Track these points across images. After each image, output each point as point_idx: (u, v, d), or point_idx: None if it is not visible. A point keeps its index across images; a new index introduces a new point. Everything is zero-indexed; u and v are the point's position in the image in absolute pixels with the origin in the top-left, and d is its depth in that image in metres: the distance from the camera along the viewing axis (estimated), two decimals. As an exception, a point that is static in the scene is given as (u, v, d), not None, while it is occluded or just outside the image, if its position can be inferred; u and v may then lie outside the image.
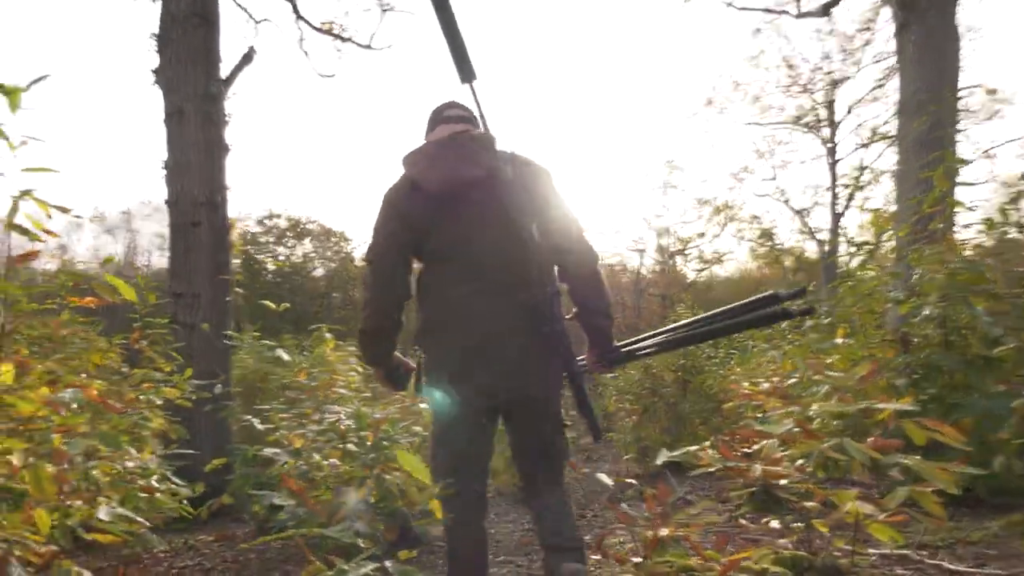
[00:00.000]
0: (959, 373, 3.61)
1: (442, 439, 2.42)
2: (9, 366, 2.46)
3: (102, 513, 2.21)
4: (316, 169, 55.40)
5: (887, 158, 21.80)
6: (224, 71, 6.67)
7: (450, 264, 2.35)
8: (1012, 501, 3.39)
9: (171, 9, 6.35)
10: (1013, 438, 3.18)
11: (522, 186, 2.32)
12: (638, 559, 2.23)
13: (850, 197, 22.71)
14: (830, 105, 23.41)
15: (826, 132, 23.62)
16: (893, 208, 5.84)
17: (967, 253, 3.88)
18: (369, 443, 3.64)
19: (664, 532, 2.18)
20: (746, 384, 5.06)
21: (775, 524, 2.69)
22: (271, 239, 26.91)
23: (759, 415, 4.21)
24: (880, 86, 22.14)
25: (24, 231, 2.30)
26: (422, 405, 4.33)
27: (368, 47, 11.21)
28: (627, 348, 2.58)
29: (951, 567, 2.68)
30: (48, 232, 2.41)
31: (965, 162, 4.26)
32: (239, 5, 9.50)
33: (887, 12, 19.79)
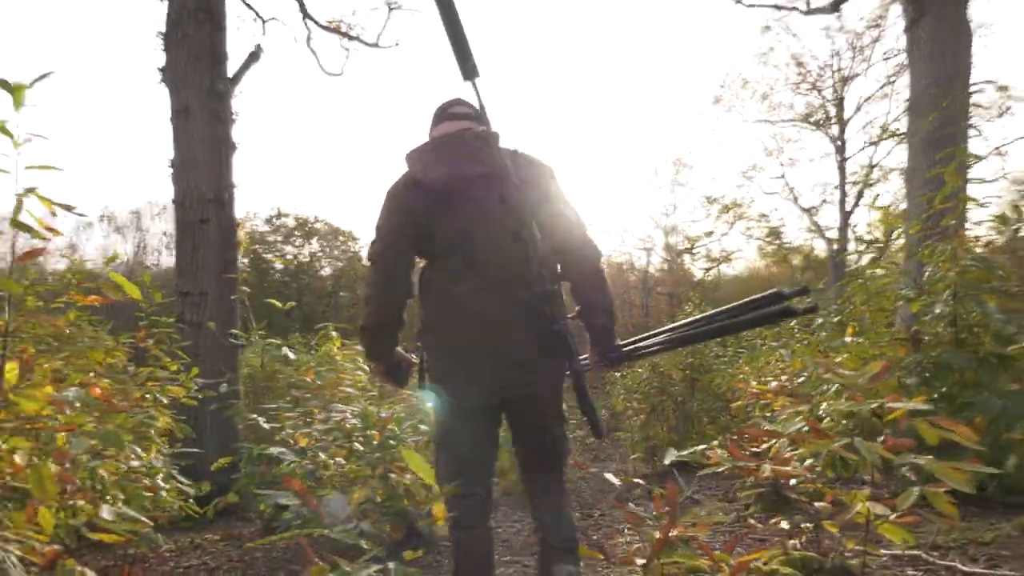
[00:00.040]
0: (970, 372, 3.57)
1: (444, 442, 2.40)
2: (14, 365, 2.45)
3: (104, 512, 2.20)
4: (324, 168, 55.52)
5: (896, 155, 21.72)
6: (231, 69, 6.68)
7: (452, 261, 2.34)
8: (1025, 501, 3.36)
9: (178, 7, 6.35)
10: (1026, 437, 3.14)
11: (525, 184, 2.30)
12: (642, 560, 2.21)
13: (859, 195, 22.60)
14: (839, 102, 23.31)
15: (835, 130, 23.52)
16: (903, 206, 5.79)
17: (979, 250, 3.83)
18: (375, 442, 3.63)
19: (672, 532, 2.15)
20: (754, 383, 5.04)
21: (784, 524, 2.66)
22: (279, 238, 27.01)
23: (768, 414, 4.19)
24: (890, 83, 22.05)
25: (28, 229, 2.28)
26: (427, 404, 4.32)
27: (375, 45, 11.21)
28: (629, 347, 2.56)
29: (964, 568, 2.64)
30: (52, 230, 2.40)
31: (978, 158, 4.21)
32: (246, 4, 9.49)
33: (897, 8, 19.72)
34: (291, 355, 4.96)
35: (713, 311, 2.51)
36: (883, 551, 2.89)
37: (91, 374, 3.63)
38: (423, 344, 2.43)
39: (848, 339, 4.31)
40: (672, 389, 7.00)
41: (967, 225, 4.09)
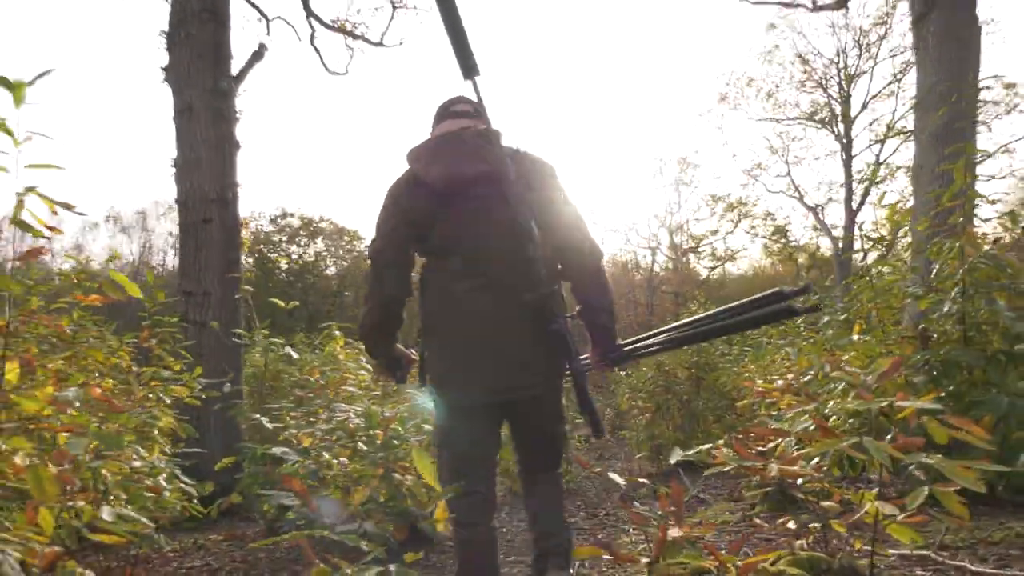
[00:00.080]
0: (978, 370, 3.54)
1: (445, 441, 2.40)
2: (14, 364, 2.44)
3: (104, 514, 2.19)
4: (329, 167, 55.64)
5: (903, 153, 21.65)
6: (235, 68, 6.67)
7: (453, 260, 2.33)
8: (1034, 500, 3.32)
9: (181, 7, 6.34)
10: (1036, 436, 3.11)
11: (526, 182, 2.30)
12: (647, 560, 2.18)
13: (865, 193, 22.53)
14: (845, 100, 23.24)
15: (841, 127, 23.44)
16: (910, 203, 5.74)
17: (987, 247, 3.80)
18: (379, 442, 3.61)
19: (677, 532, 2.13)
20: (760, 381, 5.01)
21: (791, 524, 2.63)
22: (284, 238, 27.03)
23: (774, 413, 4.16)
24: (896, 80, 21.99)
25: (28, 228, 2.27)
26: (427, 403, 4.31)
27: (380, 44, 11.20)
28: (630, 346, 2.54)
29: (974, 568, 2.60)
30: (53, 229, 2.39)
31: (989, 154, 4.17)
32: (250, 3, 9.49)
33: (904, 6, 19.67)
34: (294, 355, 4.94)
35: (714, 310, 2.50)
36: (891, 551, 2.86)
37: (96, 374, 3.63)
38: (424, 342, 2.42)
39: (855, 337, 4.27)
40: (677, 388, 6.97)
41: (975, 222, 4.05)
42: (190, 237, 6.14)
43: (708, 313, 2.51)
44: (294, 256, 26.58)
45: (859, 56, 22.91)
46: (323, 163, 56.18)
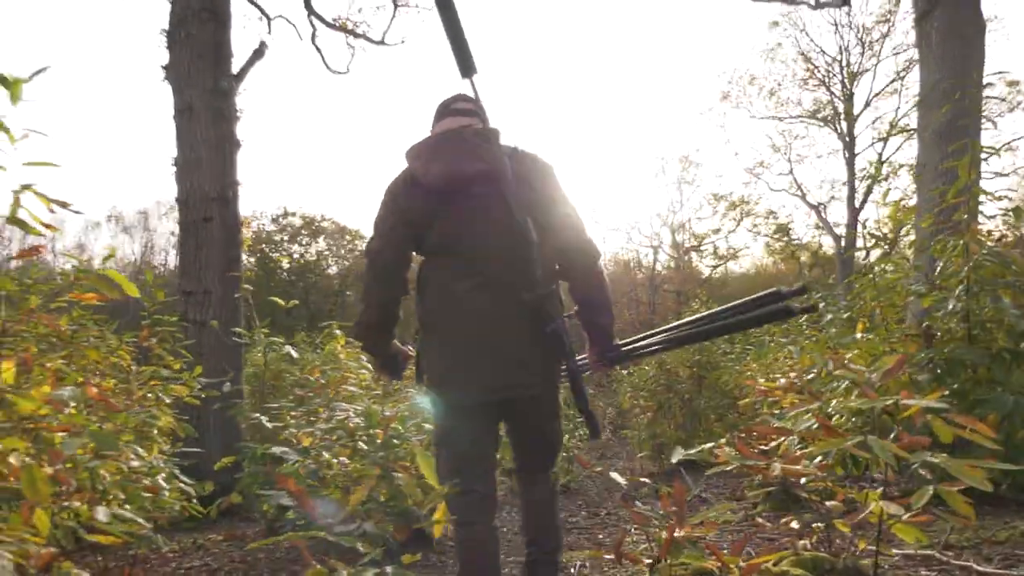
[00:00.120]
0: (983, 368, 3.51)
1: (444, 440, 2.40)
2: (10, 364, 2.42)
3: (100, 514, 2.16)
4: (331, 166, 55.66)
5: (906, 151, 21.61)
6: (235, 66, 6.66)
7: (452, 259, 2.32)
8: (1039, 499, 3.30)
9: (182, 6, 6.33)
10: (1041, 434, 3.09)
11: (524, 182, 2.29)
12: (649, 561, 2.16)
13: (868, 191, 22.49)
14: (848, 98, 23.19)
15: (843, 126, 23.39)
16: (913, 201, 5.72)
17: (991, 244, 3.77)
18: (379, 441, 3.59)
19: (680, 533, 2.11)
20: (762, 380, 4.98)
21: (794, 524, 2.61)
22: (285, 237, 27.05)
23: (776, 411, 4.13)
24: (899, 78, 21.95)
25: (24, 225, 2.25)
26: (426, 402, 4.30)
27: (381, 43, 11.18)
28: (628, 347, 2.54)
29: (979, 568, 2.58)
30: (48, 227, 2.37)
31: (995, 150, 4.14)
32: (252, 2, 9.47)
33: (907, 3, 19.63)
34: (294, 354, 4.91)
35: (711, 310, 2.50)
36: (895, 551, 2.84)
37: (97, 374, 3.61)
38: (423, 340, 2.42)
39: (858, 335, 4.25)
40: (679, 387, 6.96)
41: (980, 219, 4.03)
42: (190, 236, 6.13)
43: (705, 313, 2.52)
44: (296, 255, 26.60)
45: (862, 54, 22.88)
46: (325, 162, 56.27)
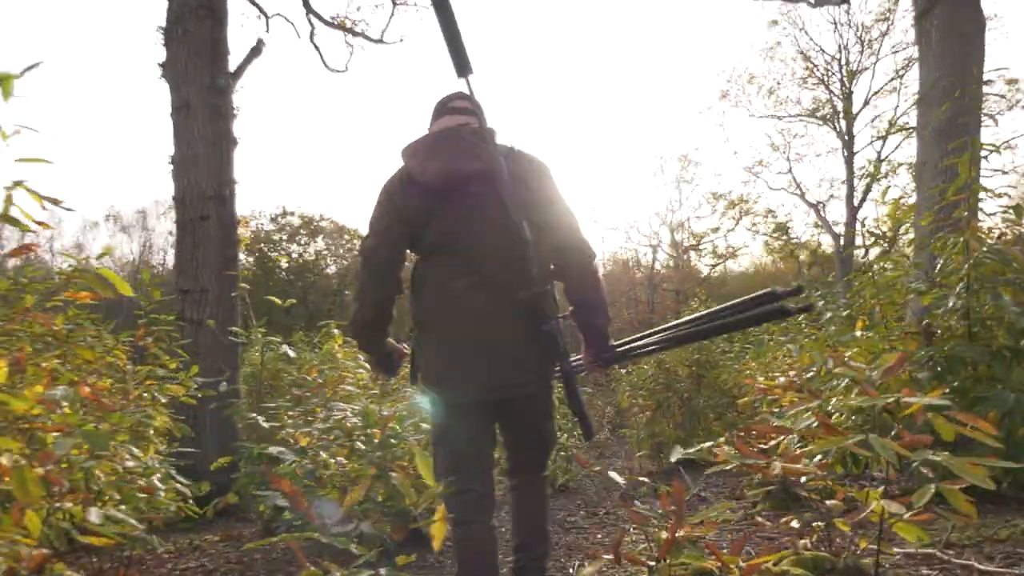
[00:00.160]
0: (983, 365, 3.50)
1: (442, 439, 2.39)
2: (2, 363, 2.40)
3: (92, 515, 2.14)
4: (329, 165, 55.64)
5: (904, 150, 21.62)
6: (233, 64, 6.63)
7: (449, 257, 2.31)
8: (1040, 497, 3.28)
9: (179, 3, 6.30)
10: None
11: (520, 181, 2.28)
12: (652, 562, 2.14)
13: (867, 189, 22.49)
14: (847, 97, 23.19)
15: (842, 124, 23.39)
16: (912, 200, 5.70)
17: (991, 242, 3.76)
18: (376, 441, 3.57)
19: (679, 533, 2.09)
20: (762, 378, 4.96)
21: (794, 523, 2.59)
22: (284, 237, 27.03)
23: (775, 410, 4.12)
24: (898, 77, 21.95)
25: (15, 222, 2.23)
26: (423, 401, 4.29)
27: (380, 41, 11.14)
28: (623, 347, 2.53)
29: (980, 567, 2.57)
30: (41, 224, 2.35)
31: (995, 148, 4.12)
32: (250, 0, 9.42)
33: (906, 2, 19.62)
34: (291, 353, 4.89)
35: (707, 311, 2.49)
36: (896, 549, 2.82)
37: (92, 374, 3.59)
38: (418, 339, 2.41)
39: (858, 333, 4.23)
40: (678, 386, 6.94)
41: (980, 217, 4.01)
42: (187, 234, 6.10)
43: (701, 314, 2.51)
44: (294, 255, 26.58)
45: (861, 52, 22.89)
46: (323, 161, 56.25)
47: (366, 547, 1.51)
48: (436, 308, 2.33)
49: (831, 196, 24.27)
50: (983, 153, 4.22)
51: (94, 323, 3.96)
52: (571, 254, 2.34)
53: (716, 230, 28.36)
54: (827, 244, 24.86)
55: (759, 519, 3.70)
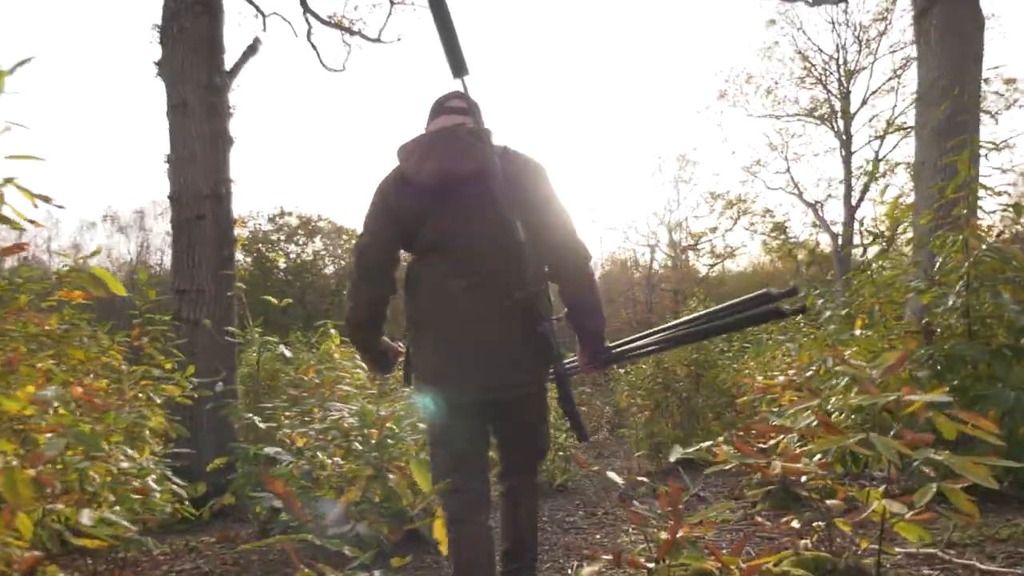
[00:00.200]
0: (983, 364, 3.48)
1: (440, 439, 2.37)
2: (-7, 363, 2.38)
3: (84, 517, 2.12)
4: (327, 165, 55.60)
5: (902, 149, 21.62)
6: (229, 62, 6.61)
7: (443, 257, 2.30)
8: (1041, 497, 3.26)
9: (175, 1, 6.27)
10: (1043, 431, 3.05)
11: (515, 182, 2.26)
12: (652, 564, 2.12)
13: (865, 189, 22.49)
14: (845, 96, 23.18)
15: (840, 124, 23.39)
16: (910, 199, 5.68)
17: (991, 240, 3.74)
18: (374, 441, 3.55)
19: (679, 533, 2.07)
20: (760, 378, 4.94)
21: (795, 523, 2.57)
22: (282, 237, 26.99)
23: (775, 409, 4.10)
24: (896, 76, 21.94)
25: (5, 219, 2.21)
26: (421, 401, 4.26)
27: (377, 40, 11.10)
28: (618, 348, 2.51)
29: (982, 566, 2.55)
30: (32, 222, 2.33)
31: (994, 146, 4.10)
32: (247, -1, 9.39)
33: (904, 1, 19.63)
34: (288, 353, 4.86)
35: (702, 312, 2.48)
36: (898, 549, 2.80)
37: (88, 374, 3.56)
38: (413, 339, 2.39)
39: (857, 332, 4.21)
40: (677, 385, 6.93)
41: (979, 215, 3.99)
42: (183, 233, 6.07)
43: (696, 315, 2.50)
44: (292, 255, 26.54)
45: (859, 52, 22.88)
46: (321, 161, 56.19)
47: (361, 549, 1.49)
48: (432, 307, 2.31)
49: (829, 196, 24.30)
50: (982, 151, 4.21)
51: (90, 323, 3.94)
52: (567, 255, 2.32)
53: (714, 230, 28.38)
54: (825, 243, 24.88)
55: (759, 519, 3.68)
